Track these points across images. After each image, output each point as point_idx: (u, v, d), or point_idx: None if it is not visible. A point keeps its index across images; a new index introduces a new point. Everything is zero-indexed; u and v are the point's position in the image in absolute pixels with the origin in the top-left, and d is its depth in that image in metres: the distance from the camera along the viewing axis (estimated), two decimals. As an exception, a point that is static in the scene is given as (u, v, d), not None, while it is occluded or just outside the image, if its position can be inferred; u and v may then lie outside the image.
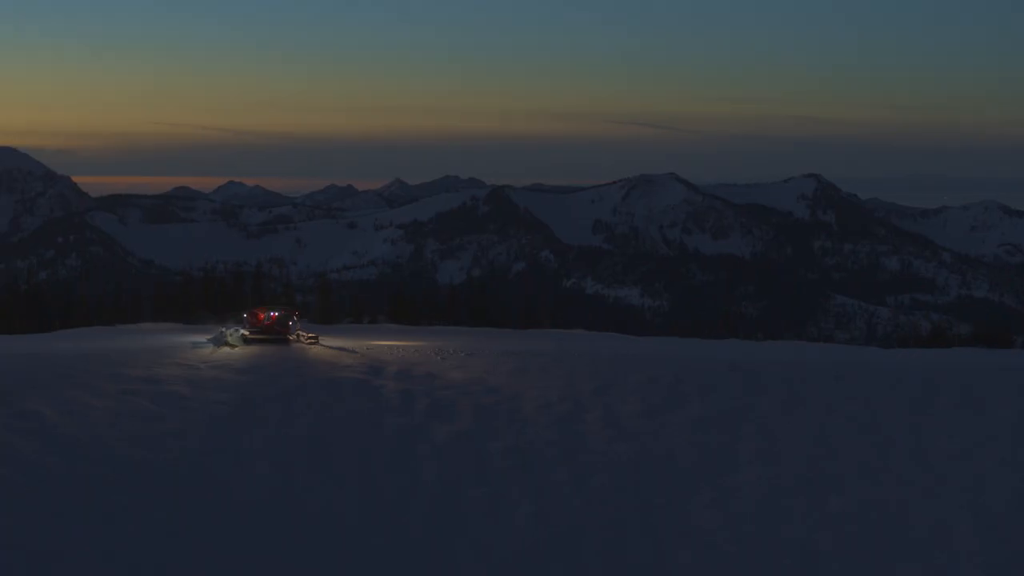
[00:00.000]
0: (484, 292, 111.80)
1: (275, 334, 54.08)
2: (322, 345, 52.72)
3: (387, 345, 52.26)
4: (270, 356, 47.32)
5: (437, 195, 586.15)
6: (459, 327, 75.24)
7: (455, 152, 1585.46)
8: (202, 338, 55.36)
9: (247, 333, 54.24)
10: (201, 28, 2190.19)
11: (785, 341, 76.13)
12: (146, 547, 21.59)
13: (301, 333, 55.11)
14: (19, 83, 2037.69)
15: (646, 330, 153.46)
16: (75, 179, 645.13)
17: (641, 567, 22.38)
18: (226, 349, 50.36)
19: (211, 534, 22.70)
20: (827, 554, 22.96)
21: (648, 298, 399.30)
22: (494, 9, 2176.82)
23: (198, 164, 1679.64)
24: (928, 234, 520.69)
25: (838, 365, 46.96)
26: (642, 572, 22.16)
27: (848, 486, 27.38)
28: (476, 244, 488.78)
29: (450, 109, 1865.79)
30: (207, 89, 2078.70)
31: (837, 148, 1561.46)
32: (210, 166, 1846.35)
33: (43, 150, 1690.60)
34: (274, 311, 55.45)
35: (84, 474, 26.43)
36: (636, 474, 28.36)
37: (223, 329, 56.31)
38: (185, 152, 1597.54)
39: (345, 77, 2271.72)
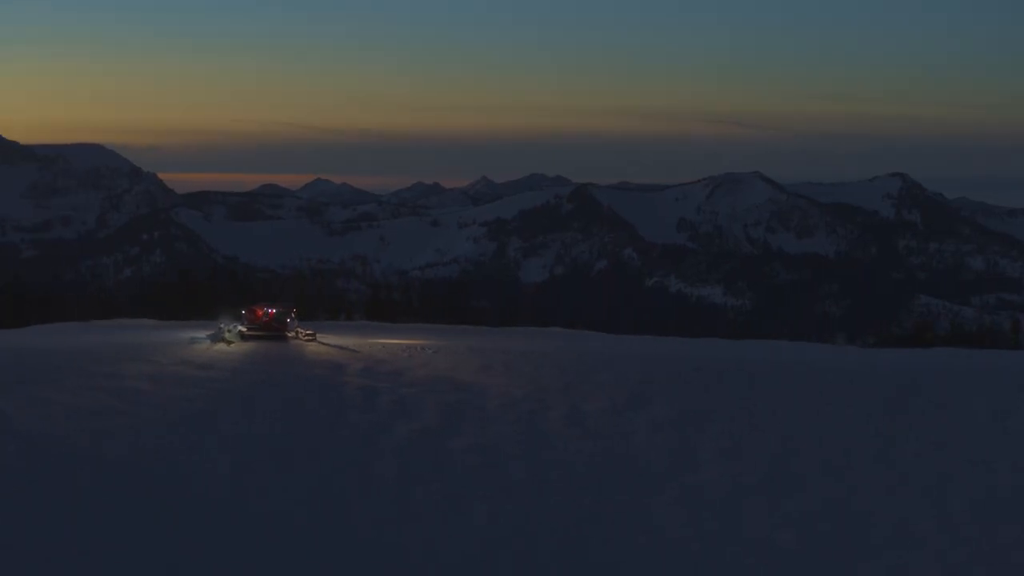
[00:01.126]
0: (462, 290, 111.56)
1: (273, 331, 54.68)
2: (319, 342, 52.85)
3: (387, 343, 52.39)
4: (239, 352, 47.22)
5: (521, 193, 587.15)
6: (436, 324, 75.02)
7: (542, 150, 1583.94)
8: (200, 334, 55.76)
9: (244, 330, 54.84)
10: (290, 26, 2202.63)
11: (764, 340, 74.90)
12: (97, 541, 21.28)
13: (300, 330, 55.77)
14: (106, 80, 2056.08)
15: (730, 329, 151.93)
16: (161, 176, 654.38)
17: (600, 566, 21.98)
18: (222, 345, 50.64)
19: (163, 531, 22.35)
20: (789, 552, 22.74)
21: (731, 297, 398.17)
22: (584, 8, 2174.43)
23: (286, 161, 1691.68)
24: (1015, 233, 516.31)
25: (811, 364, 46.96)
26: (601, 571, 21.72)
27: (811, 485, 27.24)
28: (559, 242, 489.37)
29: (538, 107, 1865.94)
30: (295, 86, 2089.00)
31: (924, 147, 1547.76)
32: (298, 163, 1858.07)
33: (130, 147, 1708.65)
34: (272, 308, 55.99)
35: (38, 468, 26.33)
36: (598, 472, 28.13)
37: (221, 325, 56.83)
38: (273, 149, 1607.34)
39: (436, 75, 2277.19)
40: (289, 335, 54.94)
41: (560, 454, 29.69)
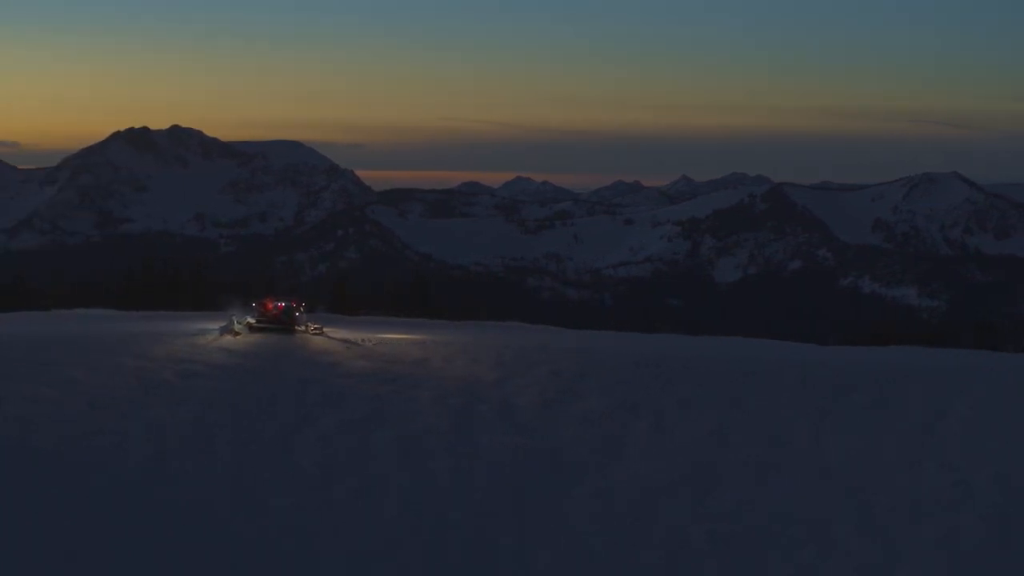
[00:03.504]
0: (428, 285, 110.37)
1: (281, 324, 56.06)
2: (326, 336, 54.13)
3: (392, 338, 53.45)
4: (188, 343, 47.65)
5: (716, 192, 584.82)
6: (398, 318, 74.81)
7: (744, 149, 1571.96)
8: (211, 325, 57.02)
9: (252, 322, 56.29)
10: (490, 25, 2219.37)
11: (726, 337, 72.33)
12: (13, 526, 21.58)
13: (308, 325, 57.15)
14: (308, 78, 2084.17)
15: (924, 331, 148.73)
16: (361, 173, 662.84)
17: (504, 561, 22.12)
18: (228, 337, 51.87)
19: (79, 516, 22.50)
20: (697, 551, 22.77)
21: (925, 299, 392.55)
22: (790, 8, 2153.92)
23: (489, 159, 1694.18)
24: None
25: (757, 361, 46.86)
26: (504, 566, 21.92)
27: (732, 484, 27.27)
28: (752, 241, 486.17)
29: (743, 106, 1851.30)
30: (500, 85, 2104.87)
31: None
32: (501, 161, 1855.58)
33: (330, 144, 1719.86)
34: (282, 302, 57.60)
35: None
36: (517, 467, 28.19)
37: (233, 317, 58.25)
38: (477, 147, 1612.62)
39: (641, 73, 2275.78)
40: (298, 329, 56.33)
41: (483, 448, 29.78)
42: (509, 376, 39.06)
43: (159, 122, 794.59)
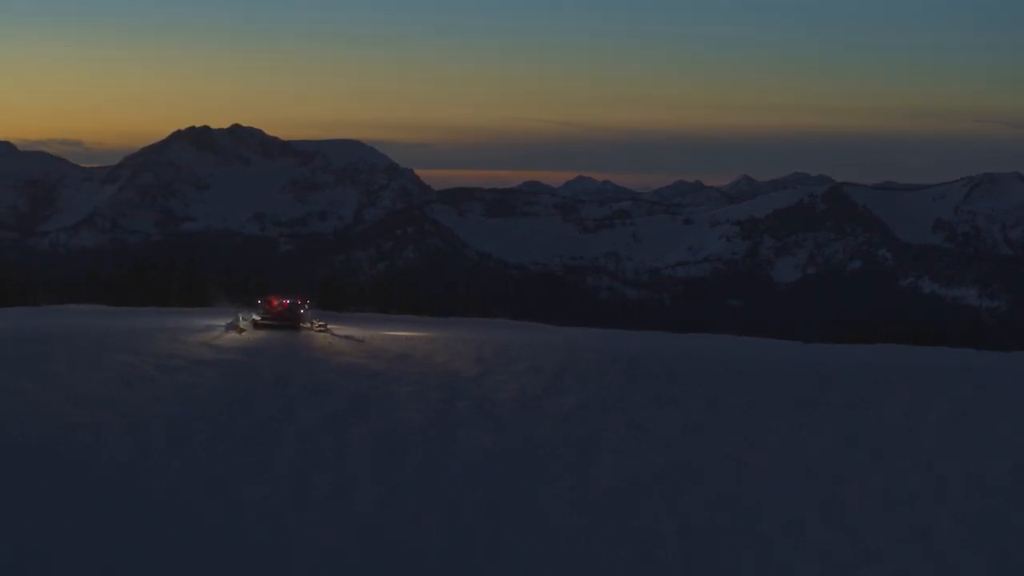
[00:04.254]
0: (413, 282, 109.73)
1: (285, 320, 56.71)
2: (331, 333, 54.31)
3: (397, 336, 53.72)
4: (177, 339, 47.47)
5: (775, 192, 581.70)
6: (383, 315, 75.06)
7: (806, 149, 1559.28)
8: (217, 322, 57.50)
9: (258, 318, 56.93)
10: (552, 24, 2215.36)
11: (712, 334, 74.04)
12: None
13: (313, 321, 57.78)
14: (369, 77, 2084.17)
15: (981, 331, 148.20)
16: (418, 172, 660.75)
17: (481, 556, 22.10)
18: (233, 334, 52.33)
19: (59, 511, 22.49)
20: (669, 546, 22.78)
21: (986, 299, 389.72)
22: (853, 8, 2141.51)
23: (551, 159, 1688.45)
24: None
25: (739, 359, 47.06)
26: (481, 561, 21.90)
27: (707, 480, 27.32)
28: (812, 241, 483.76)
29: (805, 106, 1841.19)
30: (562, 84, 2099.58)
31: None
32: (563, 161, 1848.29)
33: (390, 143, 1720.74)
34: (287, 299, 58.30)
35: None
36: (495, 462, 28.23)
37: (239, 314, 58.93)
38: (535, 147, 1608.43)
39: (703, 73, 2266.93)
40: (304, 326, 56.93)
41: (462, 443, 29.81)
42: (489, 372, 39.30)
43: (220, 121, 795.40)
